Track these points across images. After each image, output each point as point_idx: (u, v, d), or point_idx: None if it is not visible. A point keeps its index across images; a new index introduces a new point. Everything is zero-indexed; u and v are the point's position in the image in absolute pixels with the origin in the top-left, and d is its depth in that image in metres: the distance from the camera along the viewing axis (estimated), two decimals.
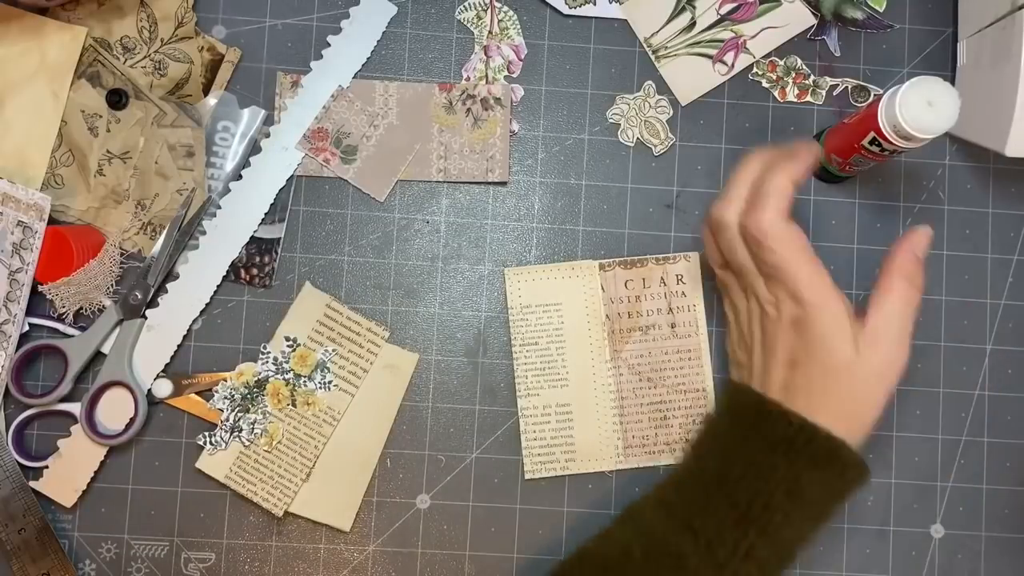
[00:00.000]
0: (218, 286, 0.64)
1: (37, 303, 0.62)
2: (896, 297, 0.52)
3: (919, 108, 0.53)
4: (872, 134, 0.56)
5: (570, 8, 0.66)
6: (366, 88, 0.65)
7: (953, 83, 0.66)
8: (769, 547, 0.49)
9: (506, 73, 0.66)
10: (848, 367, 0.50)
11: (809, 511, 0.50)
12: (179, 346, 0.63)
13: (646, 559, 0.50)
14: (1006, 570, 0.65)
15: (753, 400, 0.52)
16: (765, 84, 0.66)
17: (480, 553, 0.64)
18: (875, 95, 0.66)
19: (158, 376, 0.63)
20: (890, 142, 0.55)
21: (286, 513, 0.63)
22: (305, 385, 0.63)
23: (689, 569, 0.49)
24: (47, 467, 0.62)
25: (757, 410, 0.52)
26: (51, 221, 0.62)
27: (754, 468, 0.50)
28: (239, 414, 0.63)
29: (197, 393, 0.63)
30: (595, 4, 0.66)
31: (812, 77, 0.66)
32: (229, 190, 0.64)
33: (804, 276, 0.51)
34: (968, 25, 0.65)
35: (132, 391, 0.62)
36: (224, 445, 0.63)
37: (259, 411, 0.63)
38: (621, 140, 0.66)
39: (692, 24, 0.66)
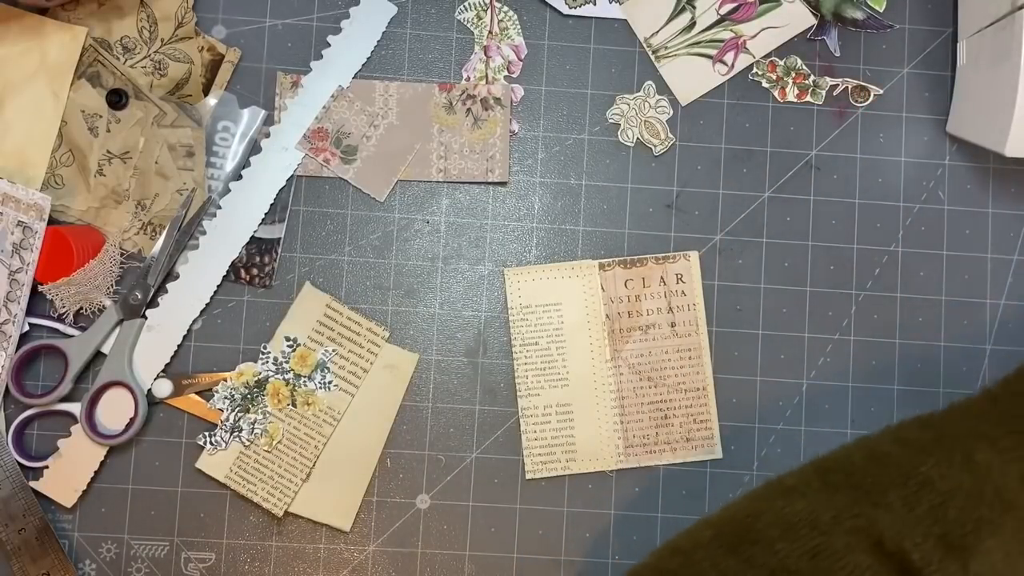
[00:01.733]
0: (218, 286, 0.64)
1: (37, 303, 0.62)
2: None
3: None
4: None
5: (570, 8, 0.66)
6: (366, 88, 0.65)
7: (952, 83, 0.67)
8: None
9: (506, 73, 0.66)
10: None
11: None
12: (179, 346, 0.63)
13: (979, 495, 0.48)
14: None
15: None
16: (765, 84, 0.66)
17: (480, 553, 0.64)
18: None
19: (158, 376, 0.63)
20: None
21: (286, 513, 0.63)
22: (305, 385, 0.63)
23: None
24: (47, 467, 0.62)
25: None
26: (51, 221, 0.62)
27: None
28: (239, 414, 0.63)
29: (197, 393, 0.63)
30: (595, 4, 0.66)
31: (812, 77, 0.66)
32: (229, 190, 0.64)
33: None
34: (968, 25, 0.65)
35: (132, 391, 0.62)
36: (224, 445, 0.63)
37: (259, 411, 0.63)
38: (621, 140, 0.66)
39: (692, 24, 0.66)
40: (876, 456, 0.50)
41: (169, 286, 0.63)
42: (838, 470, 0.50)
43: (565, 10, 0.66)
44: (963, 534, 0.47)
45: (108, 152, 0.63)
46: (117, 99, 0.63)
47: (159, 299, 0.63)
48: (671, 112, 0.66)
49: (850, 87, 0.67)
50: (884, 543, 0.47)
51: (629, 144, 0.66)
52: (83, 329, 0.63)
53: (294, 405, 0.63)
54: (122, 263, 0.63)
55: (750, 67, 0.66)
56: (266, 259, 0.64)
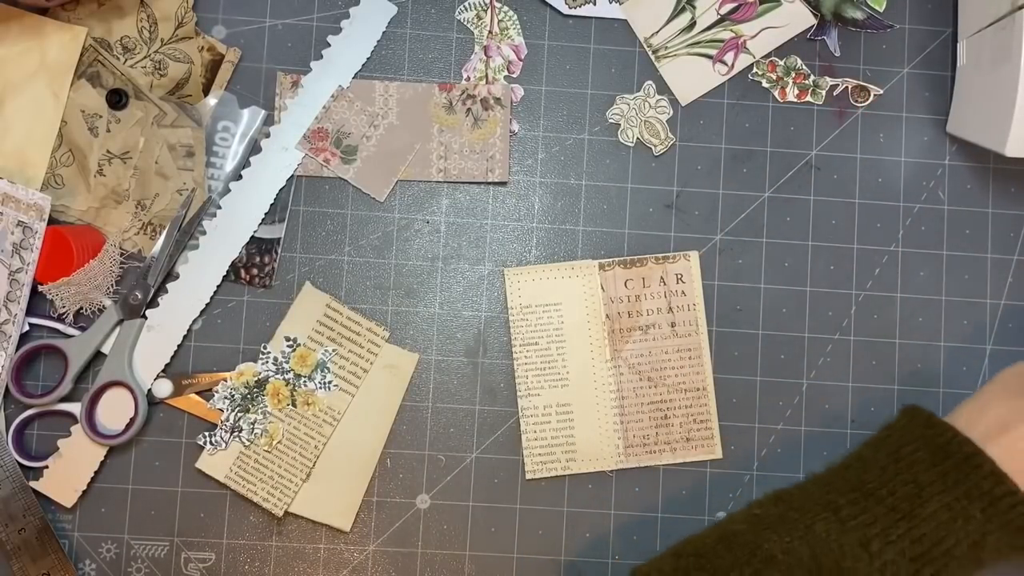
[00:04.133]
0: (218, 286, 0.64)
1: (37, 303, 0.62)
2: None
3: None
4: None
5: (570, 8, 0.66)
6: (366, 88, 0.65)
7: (953, 83, 0.67)
8: None
9: (506, 73, 0.66)
10: None
11: (977, 565, 0.50)
12: (179, 346, 0.63)
13: (817, 566, 0.49)
14: None
15: (968, 449, 0.51)
16: (765, 84, 0.66)
17: (480, 553, 0.64)
18: None
19: (158, 376, 0.63)
20: None
21: (286, 513, 0.63)
22: (305, 385, 0.63)
23: None
24: (47, 467, 0.62)
25: (967, 457, 0.51)
26: (51, 221, 0.62)
27: (948, 511, 0.49)
28: (239, 414, 0.63)
29: (197, 393, 0.63)
30: (595, 4, 0.66)
31: (812, 77, 0.67)
32: (229, 190, 0.64)
33: None
34: (968, 25, 0.65)
35: (132, 391, 0.62)
36: (224, 445, 0.63)
37: (259, 411, 0.63)
38: (621, 140, 0.66)
39: (692, 24, 0.66)
40: (726, 536, 0.52)
41: (169, 286, 0.63)
42: (691, 554, 0.52)
43: (565, 10, 0.66)
44: None
45: (108, 152, 0.63)
46: (117, 99, 0.63)
47: (159, 299, 0.63)
48: (671, 112, 0.66)
49: (850, 87, 0.67)
50: None
51: (629, 144, 0.66)
52: (83, 329, 0.63)
53: (294, 405, 0.63)
54: (122, 263, 0.63)
55: (750, 67, 0.66)
56: (266, 259, 0.64)
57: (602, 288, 0.65)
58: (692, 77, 0.66)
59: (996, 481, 0.49)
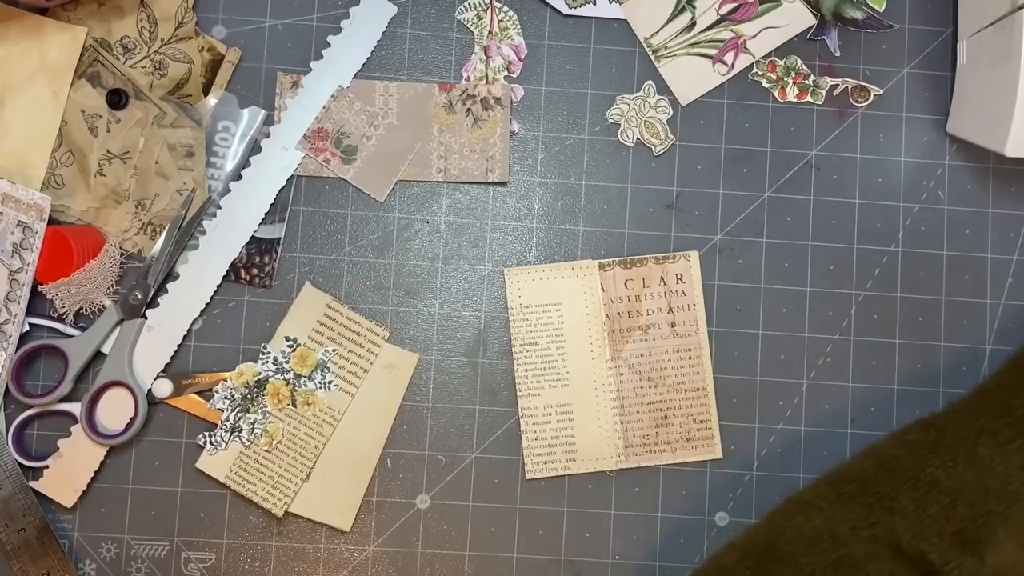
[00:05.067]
0: (218, 286, 0.64)
1: (37, 303, 0.62)
2: None
3: None
4: None
5: (570, 8, 0.66)
6: (366, 88, 0.65)
7: (953, 83, 0.67)
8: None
9: (506, 73, 0.66)
10: None
11: None
12: (179, 346, 0.63)
13: (984, 488, 0.49)
14: None
15: None
16: (765, 84, 0.66)
17: (480, 553, 0.64)
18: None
19: (158, 376, 0.63)
20: None
21: (286, 513, 0.63)
22: (305, 385, 0.63)
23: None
24: (47, 467, 0.62)
25: None
26: (51, 221, 0.62)
27: None
28: (239, 414, 0.63)
29: (197, 393, 0.63)
30: (595, 4, 0.66)
31: (812, 77, 0.67)
32: (229, 190, 0.64)
33: None
34: (968, 25, 0.65)
35: (132, 391, 0.62)
36: (224, 445, 0.63)
37: (259, 411, 0.63)
38: (621, 140, 0.66)
39: (692, 24, 0.66)
40: (884, 462, 0.52)
41: (169, 286, 0.63)
42: (851, 480, 0.52)
43: (565, 10, 0.66)
44: (975, 529, 0.48)
45: (108, 152, 0.63)
46: (117, 99, 0.63)
47: (159, 299, 0.63)
48: (671, 112, 0.66)
49: (850, 87, 0.67)
50: (902, 547, 0.48)
51: (629, 144, 0.66)
52: (83, 329, 0.63)
53: (294, 405, 0.63)
54: (122, 263, 0.63)
55: (750, 67, 0.66)
56: (266, 259, 0.64)
57: (602, 288, 0.65)
58: (692, 77, 0.66)
59: None
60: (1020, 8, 0.57)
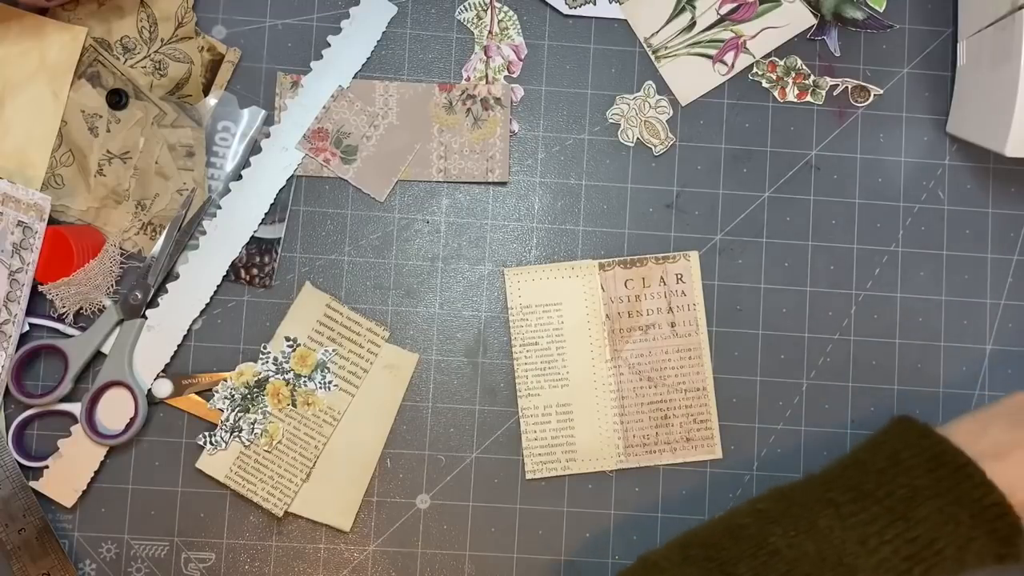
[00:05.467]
0: (218, 286, 0.64)
1: (37, 303, 0.62)
2: None
3: None
4: None
5: (570, 8, 0.66)
6: (366, 88, 0.65)
7: (953, 83, 0.67)
8: None
9: (506, 73, 0.66)
10: None
11: (961, 567, 0.51)
12: (179, 346, 0.63)
13: (820, 559, 0.50)
14: None
15: (961, 460, 0.53)
16: (765, 84, 0.66)
17: (480, 553, 0.64)
18: None
19: (158, 376, 0.63)
20: None
21: (286, 513, 0.63)
22: (305, 385, 0.63)
23: None
24: (47, 467, 0.62)
25: (960, 467, 0.52)
26: (51, 221, 0.62)
27: (939, 515, 0.51)
28: (239, 414, 0.63)
29: (197, 393, 0.63)
30: (595, 4, 0.66)
31: (812, 77, 0.66)
32: (229, 190, 0.64)
33: None
34: (968, 25, 0.65)
35: (132, 391, 0.62)
36: (224, 445, 0.63)
37: (259, 411, 0.63)
38: (621, 140, 0.66)
39: (692, 24, 0.66)
40: (732, 528, 0.53)
41: (169, 286, 0.63)
42: (698, 544, 0.53)
43: (565, 10, 0.66)
44: None
45: (108, 152, 0.63)
46: (117, 99, 0.63)
47: (159, 299, 0.63)
48: (671, 112, 0.66)
49: (850, 87, 0.67)
50: None
51: (629, 144, 0.66)
52: (83, 329, 0.63)
53: (294, 405, 0.63)
54: (122, 263, 0.63)
55: (750, 67, 0.66)
56: (266, 259, 0.64)
57: (602, 288, 0.65)
58: (692, 77, 0.66)
59: (986, 491, 0.51)
60: (1020, 8, 0.57)
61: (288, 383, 0.63)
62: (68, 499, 0.62)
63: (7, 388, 0.61)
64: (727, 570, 0.50)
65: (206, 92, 0.65)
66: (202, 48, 0.64)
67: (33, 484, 0.62)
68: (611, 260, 0.65)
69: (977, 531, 0.51)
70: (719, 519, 0.55)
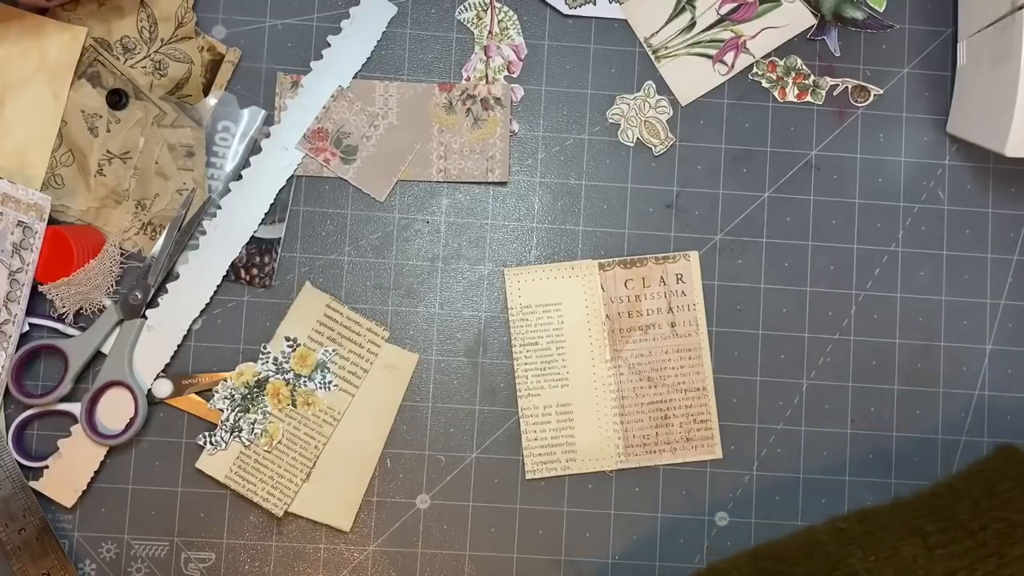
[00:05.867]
0: (218, 286, 0.64)
1: (37, 303, 0.62)
2: None
3: None
4: None
5: (570, 8, 0.66)
6: (366, 88, 0.65)
7: (953, 83, 0.67)
8: None
9: (506, 73, 0.66)
10: None
11: None
12: (179, 346, 0.63)
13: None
14: None
15: None
16: (765, 84, 0.66)
17: (480, 553, 0.64)
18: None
19: (158, 376, 0.63)
20: None
21: (286, 513, 0.63)
22: (305, 385, 0.63)
23: None
24: (47, 467, 0.62)
25: None
26: (51, 221, 0.62)
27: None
28: (239, 414, 0.63)
29: (197, 393, 0.63)
30: (595, 4, 0.66)
31: (812, 77, 0.66)
32: (229, 190, 0.64)
33: None
34: (968, 25, 0.65)
35: (132, 391, 0.62)
36: (224, 445, 0.63)
37: (259, 411, 0.63)
38: (621, 140, 0.66)
39: (692, 24, 0.66)
40: (809, 545, 0.51)
41: (169, 286, 0.63)
42: (770, 556, 0.51)
43: (565, 10, 0.66)
44: None
45: (108, 152, 0.63)
46: (117, 99, 0.63)
47: (159, 299, 0.63)
48: (671, 112, 0.66)
49: (850, 87, 0.67)
50: None
51: (629, 144, 0.66)
52: (83, 329, 0.63)
53: (294, 405, 0.63)
54: (122, 263, 0.63)
55: (750, 67, 0.66)
56: (266, 259, 0.64)
57: (602, 288, 0.65)
58: (692, 77, 0.66)
59: None
60: (1020, 8, 0.57)
61: (288, 383, 0.63)
62: (68, 499, 0.62)
63: (7, 388, 0.61)
64: None
65: (206, 92, 0.65)
66: (202, 48, 0.64)
67: (33, 484, 0.62)
68: (611, 260, 0.65)
69: None
70: (796, 534, 0.53)
